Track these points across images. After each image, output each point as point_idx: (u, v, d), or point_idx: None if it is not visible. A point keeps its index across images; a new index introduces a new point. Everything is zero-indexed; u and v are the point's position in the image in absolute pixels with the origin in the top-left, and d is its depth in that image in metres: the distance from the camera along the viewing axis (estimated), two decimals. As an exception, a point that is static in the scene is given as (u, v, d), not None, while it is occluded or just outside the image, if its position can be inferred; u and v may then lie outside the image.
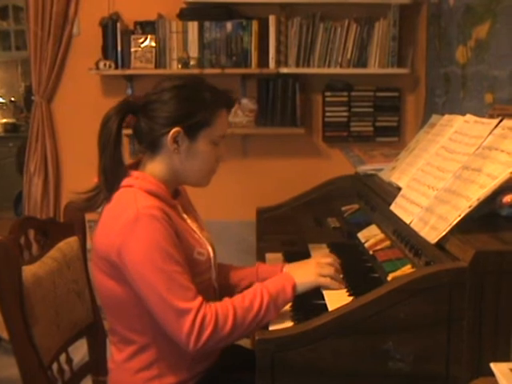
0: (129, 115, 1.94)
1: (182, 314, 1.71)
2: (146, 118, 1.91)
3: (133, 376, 1.91)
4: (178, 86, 1.92)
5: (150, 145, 1.93)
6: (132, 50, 3.99)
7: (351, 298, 1.88)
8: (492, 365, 1.45)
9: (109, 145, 1.87)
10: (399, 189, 2.32)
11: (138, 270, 1.75)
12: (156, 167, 1.93)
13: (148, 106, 1.91)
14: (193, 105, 1.90)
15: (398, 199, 2.22)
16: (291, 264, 2.13)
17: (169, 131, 1.88)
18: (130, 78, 4.15)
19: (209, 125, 1.91)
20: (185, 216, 1.98)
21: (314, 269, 1.97)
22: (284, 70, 3.99)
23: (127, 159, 1.99)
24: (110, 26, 4.01)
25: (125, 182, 1.88)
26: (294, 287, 1.87)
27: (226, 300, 1.79)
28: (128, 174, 1.90)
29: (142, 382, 1.90)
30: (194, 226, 1.99)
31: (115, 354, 1.97)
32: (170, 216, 1.82)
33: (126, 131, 2.00)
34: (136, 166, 1.98)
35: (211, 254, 1.99)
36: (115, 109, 1.91)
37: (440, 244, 1.76)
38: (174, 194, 2.00)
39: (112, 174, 1.87)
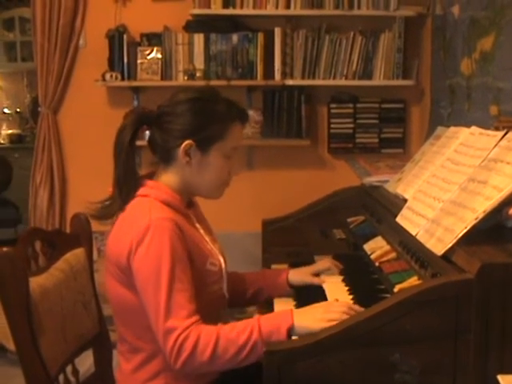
0: (143, 126, 1.96)
1: (168, 332, 1.72)
2: (160, 130, 1.93)
3: (140, 386, 1.91)
4: (192, 98, 1.93)
5: (163, 156, 1.95)
6: (138, 61, 4.01)
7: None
8: (499, 377, 1.45)
9: (121, 155, 1.89)
10: (405, 200, 2.32)
11: (141, 281, 1.78)
12: (169, 178, 1.95)
13: (162, 117, 1.93)
14: (206, 118, 1.91)
15: (404, 211, 2.22)
16: (303, 308, 1.90)
17: (181, 144, 1.89)
18: (137, 90, 4.17)
19: (221, 138, 1.92)
20: (198, 226, 1.99)
21: (321, 314, 1.77)
22: (289, 82, 4.00)
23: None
24: (116, 38, 4.02)
25: (140, 191, 1.90)
26: (290, 329, 1.74)
27: (214, 327, 1.75)
28: (143, 183, 1.91)
29: (149, 392, 1.90)
30: (206, 236, 2.00)
31: (123, 365, 1.97)
32: (182, 228, 1.83)
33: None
34: (150, 176, 1.99)
35: (223, 265, 2.00)
36: (130, 120, 1.93)
37: (446, 256, 1.76)
38: (188, 204, 2.01)
39: (125, 184, 1.89)
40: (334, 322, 1.69)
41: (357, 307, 1.81)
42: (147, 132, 1.99)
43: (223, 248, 2.08)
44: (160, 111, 1.95)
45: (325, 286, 2.21)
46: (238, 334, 1.73)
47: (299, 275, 2.29)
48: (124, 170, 1.90)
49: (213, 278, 1.94)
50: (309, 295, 2.17)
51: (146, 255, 1.76)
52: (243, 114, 2.01)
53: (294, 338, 1.74)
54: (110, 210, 1.93)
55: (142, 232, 1.77)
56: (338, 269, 2.35)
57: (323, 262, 2.36)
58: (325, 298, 2.08)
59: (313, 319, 1.76)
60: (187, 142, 1.89)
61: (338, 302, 1.89)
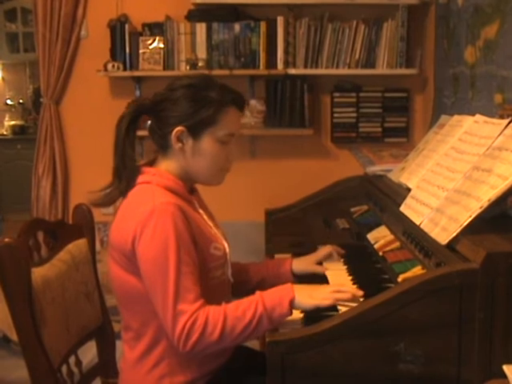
0: (143, 115, 1.97)
1: (177, 316, 1.72)
2: (156, 118, 1.95)
3: (145, 375, 1.91)
4: (185, 85, 1.94)
5: (160, 144, 1.96)
6: (140, 51, 3.99)
7: (361, 300, 1.87)
8: (504, 367, 1.45)
9: (119, 144, 1.91)
10: (409, 190, 2.31)
11: (146, 266, 1.78)
12: (169, 165, 1.96)
13: (157, 105, 1.94)
14: (197, 104, 1.91)
15: (408, 200, 2.21)
16: (302, 285, 1.96)
17: (173, 130, 1.90)
18: (139, 80, 4.16)
19: (213, 123, 1.91)
20: (201, 211, 1.99)
21: (320, 293, 1.82)
22: (292, 71, 3.98)
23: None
24: (118, 28, 4.01)
25: (141, 178, 1.90)
26: (292, 302, 1.77)
27: (220, 307, 1.77)
28: (141, 171, 1.92)
29: (154, 381, 1.90)
30: (209, 221, 2.00)
31: (127, 353, 1.97)
32: (186, 213, 1.84)
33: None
34: (150, 164, 2.00)
35: (227, 250, 2.00)
36: (129, 109, 1.95)
37: (451, 245, 1.75)
38: (190, 190, 2.02)
39: (124, 173, 1.91)
40: (327, 301, 1.79)
41: (350, 286, 1.91)
42: (149, 122, 1.99)
43: (226, 234, 2.08)
44: (155, 99, 1.96)
45: (328, 276, 2.20)
46: (243, 311, 1.75)
47: (303, 264, 2.30)
48: (122, 158, 1.91)
49: (217, 263, 1.94)
50: (311, 283, 2.16)
51: (151, 240, 1.76)
52: (238, 99, 1.99)
53: (299, 327, 1.74)
54: (110, 197, 1.95)
55: (146, 217, 1.77)
56: (340, 254, 2.38)
57: (325, 249, 2.37)
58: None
59: (309, 297, 1.80)
60: (178, 128, 1.90)
61: (334, 284, 1.99)
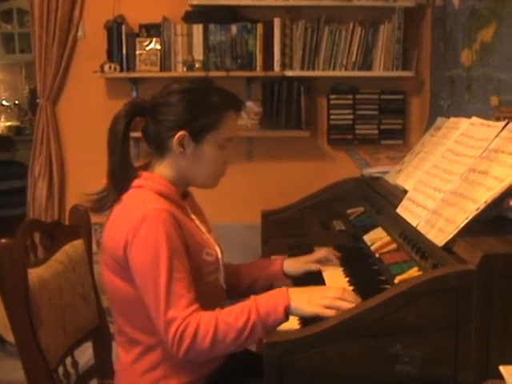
0: (137, 117, 1.95)
1: (170, 322, 1.71)
2: (154, 121, 1.93)
3: (139, 377, 1.91)
4: (185, 89, 1.92)
5: (157, 147, 1.95)
6: (137, 52, 3.99)
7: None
8: (501, 367, 1.45)
9: (116, 147, 1.89)
10: (405, 191, 2.31)
11: (138, 273, 1.78)
12: (164, 169, 1.94)
13: (155, 108, 1.92)
14: (199, 108, 1.90)
15: (405, 202, 2.22)
16: (298, 288, 1.89)
17: (175, 134, 1.89)
18: (135, 81, 4.15)
19: (215, 128, 1.91)
20: (193, 217, 1.98)
21: (317, 299, 1.74)
22: (289, 73, 3.98)
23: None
24: (114, 29, 4.00)
25: (135, 182, 1.89)
26: (287, 308, 1.72)
27: (213, 313, 1.74)
28: (138, 175, 1.91)
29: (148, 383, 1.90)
30: (202, 227, 1.99)
31: (122, 356, 1.97)
32: (178, 218, 1.83)
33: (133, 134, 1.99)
34: (145, 167, 1.99)
35: (219, 255, 2.00)
36: (124, 110, 1.92)
37: (447, 247, 1.76)
38: (183, 195, 2.01)
39: (121, 176, 1.89)
40: (329, 311, 1.69)
41: (352, 293, 1.80)
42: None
43: (219, 238, 2.08)
44: (153, 102, 1.94)
45: (325, 277, 2.20)
46: (236, 318, 1.71)
47: (294, 265, 2.27)
48: (119, 161, 1.89)
49: (209, 268, 1.93)
50: (308, 285, 2.15)
51: (142, 246, 1.76)
52: (237, 104, 1.99)
53: (296, 328, 1.74)
54: (105, 202, 1.93)
55: (137, 223, 1.76)
56: (336, 257, 2.33)
57: (320, 251, 2.34)
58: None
59: (308, 302, 1.73)
60: (181, 132, 1.88)
61: (333, 287, 1.86)
